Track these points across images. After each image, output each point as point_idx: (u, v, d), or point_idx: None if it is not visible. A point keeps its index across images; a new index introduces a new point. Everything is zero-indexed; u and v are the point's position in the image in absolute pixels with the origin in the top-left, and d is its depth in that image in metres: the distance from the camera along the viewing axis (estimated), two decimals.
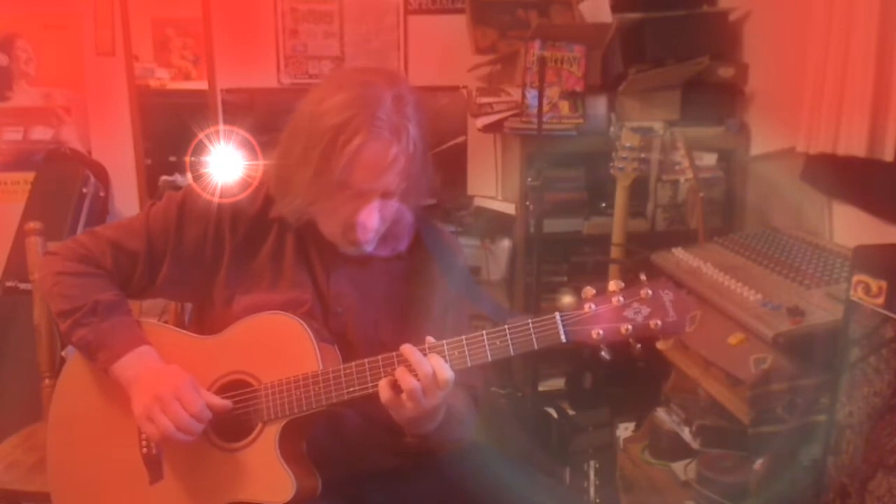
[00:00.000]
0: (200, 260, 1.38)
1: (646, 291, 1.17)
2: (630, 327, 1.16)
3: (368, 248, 1.33)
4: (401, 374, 1.19)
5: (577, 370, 2.80)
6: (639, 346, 1.18)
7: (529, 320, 1.19)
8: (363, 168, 1.24)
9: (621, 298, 1.17)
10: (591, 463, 2.50)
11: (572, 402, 2.77)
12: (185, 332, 1.41)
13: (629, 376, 2.63)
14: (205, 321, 1.41)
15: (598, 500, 2.49)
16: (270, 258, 1.37)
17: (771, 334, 1.81)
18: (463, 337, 1.21)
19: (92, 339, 1.33)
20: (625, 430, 2.63)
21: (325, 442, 1.34)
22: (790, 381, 1.86)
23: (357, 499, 1.37)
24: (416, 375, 1.18)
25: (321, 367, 1.26)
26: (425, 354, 1.20)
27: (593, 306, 1.18)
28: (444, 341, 1.21)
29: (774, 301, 1.93)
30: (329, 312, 1.37)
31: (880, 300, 1.66)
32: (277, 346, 1.30)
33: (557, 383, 2.89)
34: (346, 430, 1.37)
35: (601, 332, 1.17)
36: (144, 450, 1.34)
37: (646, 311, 1.17)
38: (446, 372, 1.18)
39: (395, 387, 1.19)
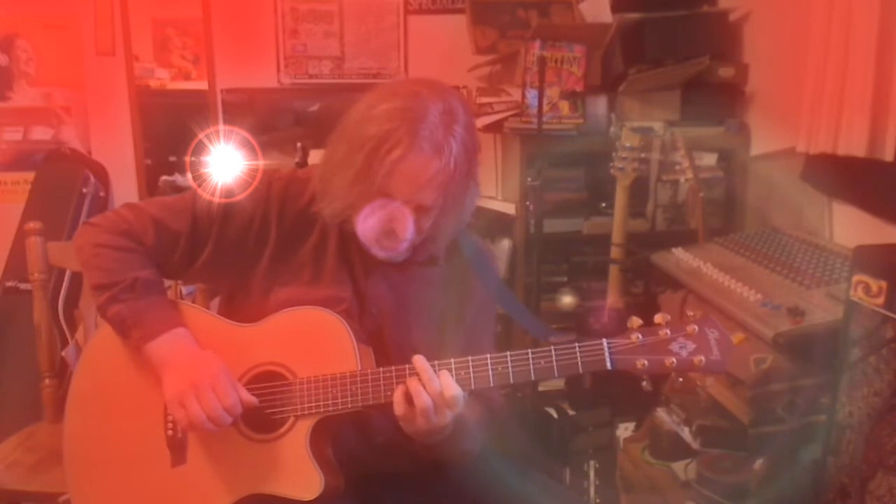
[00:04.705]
0: (243, 248, 1.37)
1: (692, 327, 1.19)
2: (675, 361, 1.18)
3: (399, 257, 1.33)
4: (415, 388, 1.20)
5: None
6: (680, 379, 1.20)
7: (576, 344, 1.20)
8: (402, 180, 1.24)
9: (668, 332, 1.19)
10: (591, 463, 2.50)
11: (572, 402, 2.77)
12: (222, 317, 1.39)
13: (629, 376, 2.63)
14: (236, 310, 1.39)
15: (598, 500, 2.49)
16: (313, 253, 1.37)
17: (771, 334, 1.81)
18: (507, 353, 1.21)
19: (127, 315, 1.31)
20: (625, 430, 2.63)
21: (351, 441, 1.34)
22: (790, 381, 1.86)
23: (369, 498, 1.37)
24: (428, 392, 1.19)
25: (359, 367, 1.26)
26: (436, 370, 1.21)
27: (640, 336, 1.19)
28: (489, 356, 1.22)
29: (774, 301, 1.93)
30: (365, 313, 1.37)
31: (880, 300, 1.66)
32: (316, 342, 1.30)
33: (557, 383, 2.89)
34: (372, 431, 1.37)
35: (646, 362, 1.18)
36: (170, 432, 1.33)
37: (691, 346, 1.18)
38: (454, 390, 1.19)
39: (409, 400, 1.20)
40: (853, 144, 2.09)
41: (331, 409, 1.26)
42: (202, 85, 3.04)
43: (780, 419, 1.86)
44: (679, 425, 2.31)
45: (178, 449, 1.32)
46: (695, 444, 2.21)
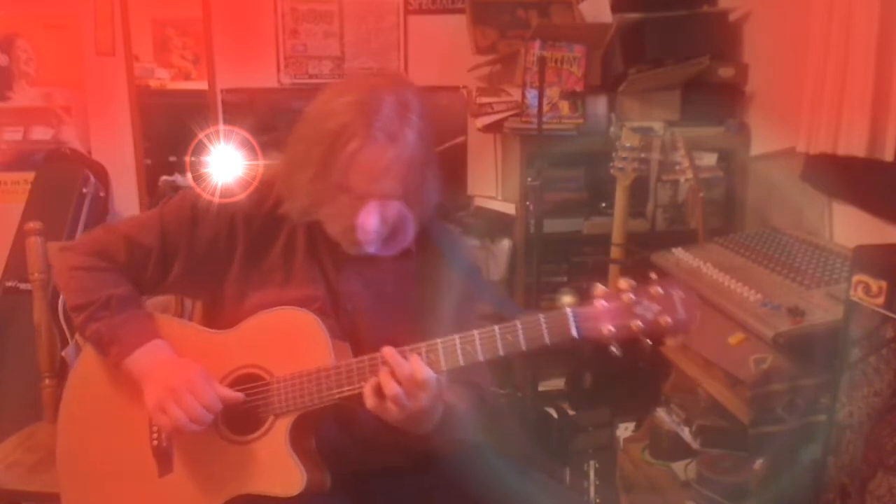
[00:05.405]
0: (213, 256, 1.39)
1: (656, 289, 1.18)
2: (641, 324, 1.17)
3: (370, 249, 1.34)
4: (384, 378, 1.20)
5: (577, 370, 2.80)
6: (649, 342, 1.18)
7: (541, 315, 1.20)
8: (360, 172, 1.26)
9: (632, 296, 1.18)
10: (591, 463, 2.51)
11: (572, 402, 2.77)
12: (198, 326, 1.42)
13: (629, 376, 2.63)
14: (215, 318, 1.41)
15: (598, 500, 2.49)
16: (282, 255, 1.39)
17: (771, 334, 1.81)
18: (475, 332, 1.21)
19: (105, 332, 1.34)
20: (625, 430, 2.63)
21: (336, 437, 1.35)
22: (790, 381, 1.86)
23: (362, 495, 1.37)
24: (398, 379, 1.19)
25: (334, 362, 1.27)
26: (406, 356, 1.21)
27: (604, 303, 1.18)
28: (457, 336, 1.22)
29: (774, 301, 1.93)
30: (340, 309, 1.38)
31: (880, 300, 1.66)
32: (291, 341, 1.31)
33: (557, 383, 2.89)
34: (357, 425, 1.37)
35: (612, 328, 1.17)
36: (155, 442, 1.35)
37: (656, 308, 1.17)
38: (424, 372, 1.19)
39: (380, 392, 1.20)
40: (853, 144, 2.09)
41: (308, 404, 1.27)
42: (202, 85, 3.04)
43: (780, 419, 1.86)
44: (679, 425, 2.31)
45: (164, 458, 1.34)
46: (695, 444, 2.21)
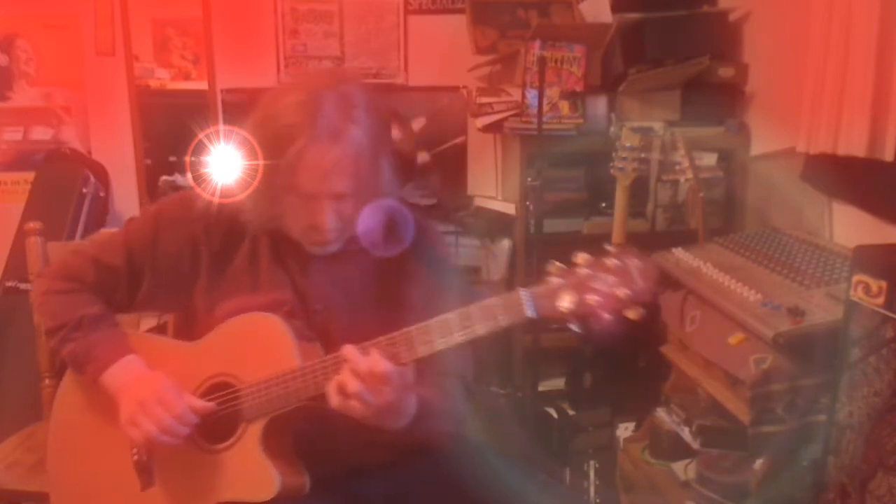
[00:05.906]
0: (178, 270, 1.40)
1: (612, 261, 1.16)
2: (597, 297, 1.14)
3: (331, 248, 1.35)
4: (346, 375, 1.19)
5: (577, 370, 2.80)
6: (608, 316, 1.15)
7: (496, 298, 1.19)
8: (307, 171, 1.26)
9: (588, 270, 1.16)
10: (591, 463, 2.51)
11: (572, 402, 2.78)
12: (169, 338, 1.44)
13: (629, 376, 2.63)
14: (191, 329, 1.42)
15: (598, 500, 2.49)
16: (247, 262, 1.39)
17: (771, 334, 1.81)
18: (433, 321, 1.21)
19: (80, 352, 1.36)
20: (625, 430, 2.63)
21: (317, 438, 1.34)
22: (790, 381, 1.86)
23: (353, 495, 1.37)
24: (358, 376, 1.18)
25: (300, 364, 1.27)
26: (366, 351, 1.20)
27: (559, 279, 1.17)
28: (414, 327, 1.21)
29: (774, 301, 1.93)
30: (309, 310, 1.38)
31: (880, 300, 1.66)
32: (257, 346, 1.31)
33: (557, 383, 2.90)
34: (336, 425, 1.36)
35: (568, 304, 1.15)
36: (135, 457, 1.35)
37: (612, 280, 1.14)
38: (383, 366, 1.17)
39: (343, 390, 1.19)
40: (853, 144, 2.09)
41: (276, 408, 1.27)
42: (202, 85, 3.04)
43: (780, 419, 1.86)
44: (679, 425, 2.31)
45: (144, 472, 1.35)
46: (695, 444, 2.21)
